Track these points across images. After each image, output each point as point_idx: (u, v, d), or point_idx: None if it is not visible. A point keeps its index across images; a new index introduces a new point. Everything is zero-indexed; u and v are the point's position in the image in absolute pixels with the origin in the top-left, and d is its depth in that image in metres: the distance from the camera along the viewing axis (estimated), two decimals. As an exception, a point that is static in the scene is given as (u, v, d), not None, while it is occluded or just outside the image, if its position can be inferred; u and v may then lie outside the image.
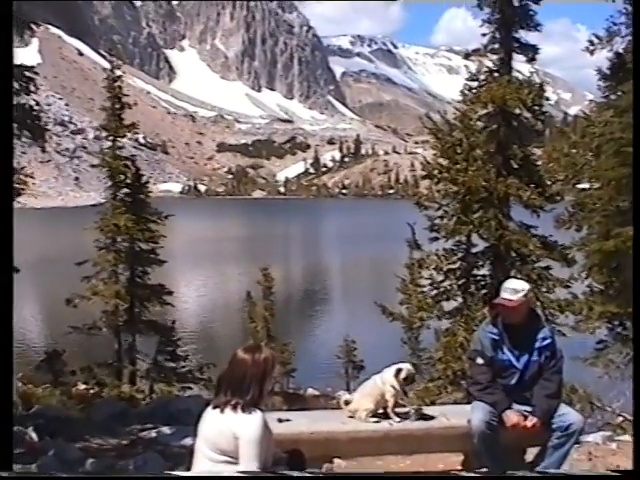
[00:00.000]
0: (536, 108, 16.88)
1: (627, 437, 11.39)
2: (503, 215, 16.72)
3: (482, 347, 7.75)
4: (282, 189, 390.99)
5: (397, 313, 19.79)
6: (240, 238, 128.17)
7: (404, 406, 8.26)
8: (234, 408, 5.36)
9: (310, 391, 33.99)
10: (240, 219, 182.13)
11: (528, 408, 7.58)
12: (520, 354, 7.66)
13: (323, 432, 7.71)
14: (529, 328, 7.68)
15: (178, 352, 27.62)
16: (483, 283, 17.47)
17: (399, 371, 7.90)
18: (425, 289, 18.03)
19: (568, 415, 7.57)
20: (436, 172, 17.31)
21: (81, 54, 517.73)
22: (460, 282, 17.40)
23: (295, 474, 5.82)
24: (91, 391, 23.85)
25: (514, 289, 7.60)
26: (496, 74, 17.12)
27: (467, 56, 18.15)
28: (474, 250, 17.40)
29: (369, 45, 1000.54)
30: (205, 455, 5.43)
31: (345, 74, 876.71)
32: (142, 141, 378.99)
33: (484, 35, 17.28)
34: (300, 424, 7.78)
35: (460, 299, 17.47)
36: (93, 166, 32.66)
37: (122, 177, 27.14)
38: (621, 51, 16.30)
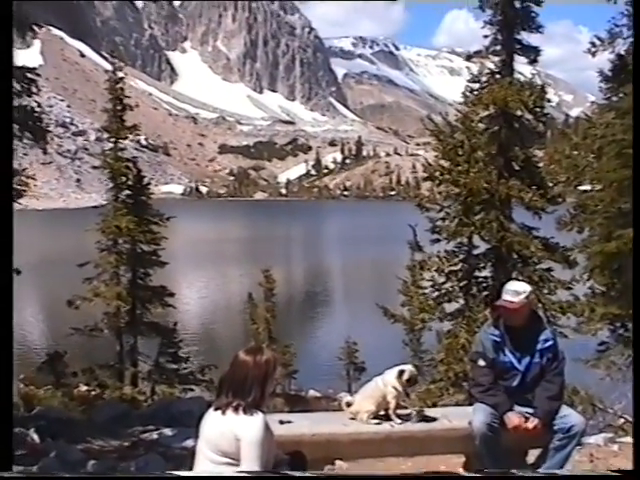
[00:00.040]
0: (538, 110, 16.90)
1: (629, 439, 11.38)
2: (505, 217, 16.73)
3: (484, 349, 7.75)
4: (284, 191, 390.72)
5: (399, 315, 19.79)
6: (242, 240, 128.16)
7: (406, 408, 8.26)
8: (235, 410, 5.36)
9: (311, 393, 33.97)
10: (242, 221, 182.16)
11: (530, 410, 7.57)
12: (522, 356, 7.65)
13: (324, 434, 7.71)
14: (531, 330, 7.67)
15: (180, 354, 27.64)
16: (485, 285, 17.48)
17: (402, 372, 7.89)
18: (427, 291, 18.03)
19: (570, 417, 7.57)
20: (438, 174, 17.32)
21: (83, 56, 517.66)
22: (462, 284, 17.41)
23: (296, 474, 5.83)
24: (93, 393, 23.87)
25: (515, 291, 7.59)
26: (498, 76, 17.14)
27: (469, 58, 18.18)
28: (476, 252, 17.41)
29: (371, 47, 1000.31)
30: (206, 457, 5.43)
31: (347, 76, 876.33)
32: (144, 143, 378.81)
33: (486, 37, 17.31)
34: (301, 426, 7.78)
35: (462, 301, 17.48)
36: (95, 168, 32.76)
37: (124, 179, 27.19)
38: (623, 53, 16.29)
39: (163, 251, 27.76)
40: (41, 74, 17.55)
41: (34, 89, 15.23)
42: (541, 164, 18.03)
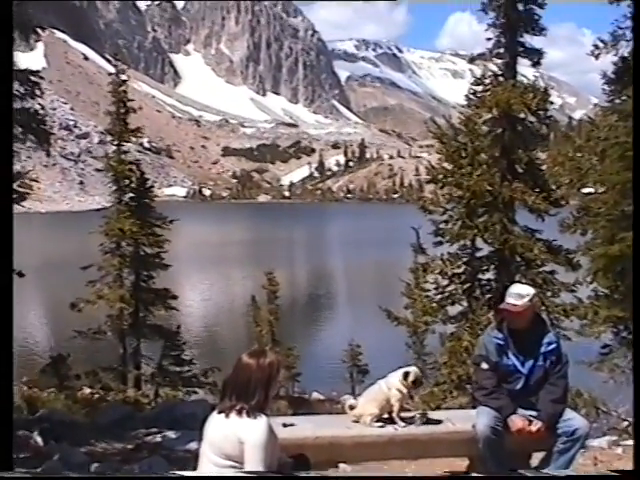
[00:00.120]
0: (541, 112, 16.90)
1: (632, 442, 11.38)
2: (508, 219, 16.72)
3: (487, 352, 7.74)
4: (287, 193, 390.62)
5: (402, 317, 19.81)
6: (245, 242, 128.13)
7: (409, 411, 8.26)
8: (239, 413, 5.35)
9: (315, 395, 33.96)
10: (245, 223, 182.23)
11: (533, 413, 7.57)
12: (525, 359, 7.65)
13: (328, 437, 7.71)
14: (534, 333, 7.67)
15: (183, 356, 27.61)
16: (488, 287, 17.46)
17: (407, 374, 7.90)
18: (430, 293, 18.03)
19: (574, 420, 7.56)
20: (441, 176, 17.32)
21: (86, 58, 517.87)
22: (465, 286, 17.40)
23: (299, 475, 5.83)
24: (96, 395, 23.88)
25: (519, 294, 7.59)
26: (501, 78, 17.14)
27: (472, 60, 18.18)
28: (479, 254, 17.40)
29: (374, 49, 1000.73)
30: (210, 460, 5.42)
31: (350, 78, 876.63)
32: (147, 145, 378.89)
33: (489, 39, 17.31)
34: (305, 429, 7.78)
35: (465, 303, 17.47)
36: (98, 170, 32.72)
37: (127, 181, 27.20)
38: (626, 55, 16.28)
39: (166, 254, 27.76)
40: (44, 77, 17.57)
41: (37, 92, 15.26)
42: (544, 166, 18.03)
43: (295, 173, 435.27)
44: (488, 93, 17.04)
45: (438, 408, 14.93)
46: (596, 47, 16.77)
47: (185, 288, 65.36)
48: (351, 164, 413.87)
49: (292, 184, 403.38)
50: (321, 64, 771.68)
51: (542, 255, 16.50)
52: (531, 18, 16.99)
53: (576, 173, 17.95)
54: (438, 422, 8.03)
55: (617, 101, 17.07)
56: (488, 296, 17.23)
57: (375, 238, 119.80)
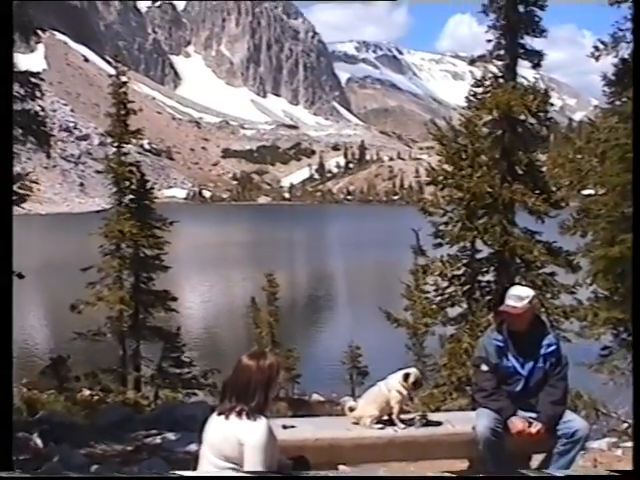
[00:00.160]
0: (541, 114, 16.90)
1: (632, 443, 11.38)
2: (508, 221, 16.72)
3: (487, 354, 7.74)
4: (287, 195, 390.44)
5: (402, 319, 19.84)
6: (245, 244, 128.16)
7: (409, 412, 8.26)
8: (239, 415, 5.35)
9: (315, 397, 33.97)
10: (245, 225, 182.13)
11: (533, 415, 7.57)
12: (525, 361, 7.65)
13: (327, 438, 7.71)
14: (534, 335, 7.67)
15: (183, 358, 27.62)
16: (488, 289, 17.46)
17: (407, 376, 7.91)
18: (430, 295, 18.03)
19: (573, 422, 7.56)
20: (441, 178, 17.32)
21: (87, 60, 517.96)
22: (465, 288, 17.40)
23: (299, 475, 5.84)
24: (96, 397, 23.88)
25: (519, 296, 7.59)
26: (501, 80, 17.14)
27: (472, 62, 18.18)
28: (479, 256, 17.41)
29: (374, 51, 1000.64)
30: (210, 462, 5.42)
31: (350, 80, 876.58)
32: (147, 147, 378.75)
33: (489, 41, 17.31)
34: (305, 430, 7.78)
35: (465, 305, 17.48)
36: (98, 172, 32.72)
37: (127, 183, 27.21)
38: (626, 57, 16.29)
39: (166, 255, 27.79)
40: (45, 78, 17.56)
41: (38, 93, 15.26)
42: (544, 168, 18.03)
43: (295, 175, 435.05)
44: (488, 95, 17.04)
45: (438, 410, 14.92)
46: (596, 49, 16.77)
47: (185, 290, 65.44)
48: (351, 166, 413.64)
49: (292, 186, 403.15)
50: (321, 66, 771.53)
51: (542, 257, 16.50)
52: (531, 20, 17.00)
53: (576, 175, 17.94)
54: (438, 424, 8.04)
55: (617, 103, 17.07)
56: (488, 298, 17.23)
57: (375, 240, 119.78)
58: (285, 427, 7.69)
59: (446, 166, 17.38)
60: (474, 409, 8.04)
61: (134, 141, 28.66)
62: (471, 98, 17.40)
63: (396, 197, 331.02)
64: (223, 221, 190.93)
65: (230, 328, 56.09)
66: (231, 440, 5.33)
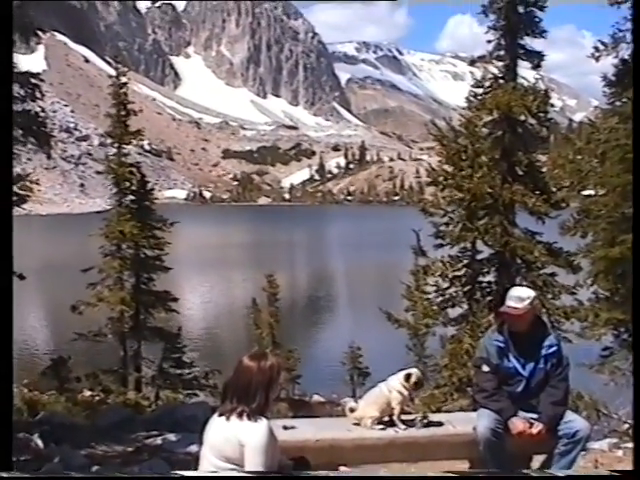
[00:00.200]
0: (541, 114, 16.91)
1: (632, 442, 11.38)
2: (508, 222, 16.73)
3: (488, 355, 7.74)
4: (287, 196, 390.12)
5: (402, 320, 19.82)
6: (245, 245, 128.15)
7: (410, 413, 8.26)
8: (240, 416, 5.36)
9: (316, 398, 33.95)
10: (245, 226, 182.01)
11: (534, 415, 7.57)
12: (526, 362, 7.65)
13: (328, 439, 7.71)
14: (535, 335, 7.66)
15: (183, 359, 27.64)
16: (488, 290, 17.46)
17: (409, 376, 7.90)
18: (430, 296, 18.02)
19: (574, 422, 7.56)
20: (441, 179, 17.33)
21: (87, 61, 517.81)
22: (465, 289, 17.40)
23: (299, 476, 5.84)
24: (96, 398, 23.90)
25: (519, 297, 7.58)
26: (501, 81, 17.14)
27: (472, 63, 18.18)
28: (479, 257, 17.41)
29: (374, 52, 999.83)
30: (211, 462, 5.43)
31: (350, 80, 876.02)
32: (147, 148, 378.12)
33: (489, 42, 17.30)
34: (305, 431, 7.78)
35: (465, 306, 17.48)
36: (98, 173, 32.73)
37: (127, 184, 27.21)
38: (627, 57, 16.27)
39: (167, 256, 27.81)
40: (45, 79, 17.57)
41: (38, 94, 15.28)
42: (545, 169, 18.03)
43: (295, 175, 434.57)
44: (488, 95, 17.05)
45: (439, 411, 14.92)
46: (596, 49, 16.76)
47: (185, 290, 65.42)
48: (351, 166, 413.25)
49: (292, 186, 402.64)
50: (321, 66, 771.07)
51: (542, 257, 16.51)
52: (531, 20, 17.00)
53: (576, 175, 17.93)
54: (439, 425, 8.04)
55: (617, 103, 17.06)
56: (489, 298, 17.23)
57: (375, 240, 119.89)
58: (286, 428, 7.69)
59: (446, 167, 17.38)
60: (475, 410, 8.04)
61: (134, 142, 28.68)
62: (471, 99, 17.41)
63: (396, 198, 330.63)
64: (223, 222, 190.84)
65: (231, 329, 56.10)
66: (232, 441, 5.34)
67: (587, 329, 16.92)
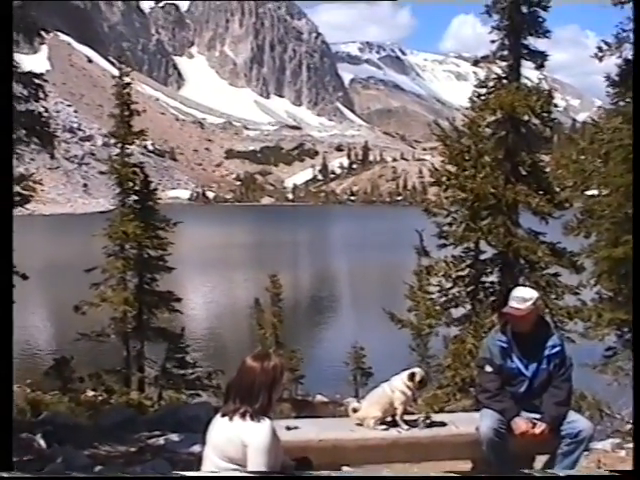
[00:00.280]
0: (545, 115, 16.90)
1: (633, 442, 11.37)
2: (512, 222, 16.72)
3: (491, 355, 7.73)
4: (290, 196, 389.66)
5: (405, 320, 19.78)
6: (248, 245, 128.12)
7: (413, 414, 8.25)
8: (243, 416, 5.35)
9: (319, 398, 33.95)
10: (248, 226, 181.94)
11: (537, 416, 7.56)
12: (529, 362, 7.64)
13: (331, 440, 7.70)
14: (538, 336, 7.65)
15: (187, 359, 27.64)
16: (492, 290, 17.46)
17: (413, 375, 7.90)
18: (434, 296, 18.03)
19: (577, 422, 7.55)
20: (444, 179, 17.32)
21: (90, 61, 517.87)
22: (469, 289, 17.40)
23: (302, 476, 5.84)
24: (99, 398, 23.92)
25: (522, 297, 7.57)
26: (505, 81, 17.14)
27: (476, 63, 18.17)
28: (483, 257, 17.41)
29: (377, 52, 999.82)
30: (213, 463, 5.42)
31: (353, 81, 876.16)
32: (150, 148, 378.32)
33: (493, 42, 17.31)
34: (308, 432, 7.77)
35: (469, 306, 17.48)
36: (102, 173, 32.80)
37: (130, 184, 27.21)
38: (630, 57, 16.26)
39: (170, 256, 27.80)
40: (48, 79, 17.61)
41: (41, 94, 15.28)
42: (548, 169, 18.03)
43: (298, 175, 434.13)
44: (492, 96, 17.05)
45: (441, 411, 14.91)
46: (600, 49, 16.75)
47: (189, 291, 65.42)
48: (354, 166, 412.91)
49: (295, 186, 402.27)
50: (325, 66, 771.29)
51: (546, 258, 16.50)
52: (535, 20, 16.99)
53: (580, 175, 17.94)
54: (442, 425, 8.03)
55: (621, 103, 17.06)
56: (492, 299, 17.24)
57: (378, 240, 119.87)
58: (289, 428, 7.69)
59: (449, 167, 17.39)
60: (478, 410, 8.03)
61: (138, 142, 28.70)
62: (474, 99, 17.40)
63: (399, 198, 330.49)
64: (226, 222, 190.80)
65: (234, 329, 56.12)
66: (235, 441, 5.33)
67: (590, 329, 16.93)
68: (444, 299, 17.59)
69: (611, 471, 8.05)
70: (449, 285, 17.49)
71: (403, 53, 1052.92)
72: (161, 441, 12.79)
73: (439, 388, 17.65)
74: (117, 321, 26.92)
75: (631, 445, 11.38)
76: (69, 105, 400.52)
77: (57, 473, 9.72)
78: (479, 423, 7.64)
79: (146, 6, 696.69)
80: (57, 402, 20.25)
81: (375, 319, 32.12)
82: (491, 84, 17.25)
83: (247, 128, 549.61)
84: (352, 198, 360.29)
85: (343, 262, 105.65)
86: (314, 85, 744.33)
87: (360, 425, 7.91)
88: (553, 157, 19.80)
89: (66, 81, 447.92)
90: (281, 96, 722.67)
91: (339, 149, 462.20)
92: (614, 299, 17.18)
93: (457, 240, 16.99)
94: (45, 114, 15.54)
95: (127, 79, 28.48)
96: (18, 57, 14.58)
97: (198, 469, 5.63)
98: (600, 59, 16.80)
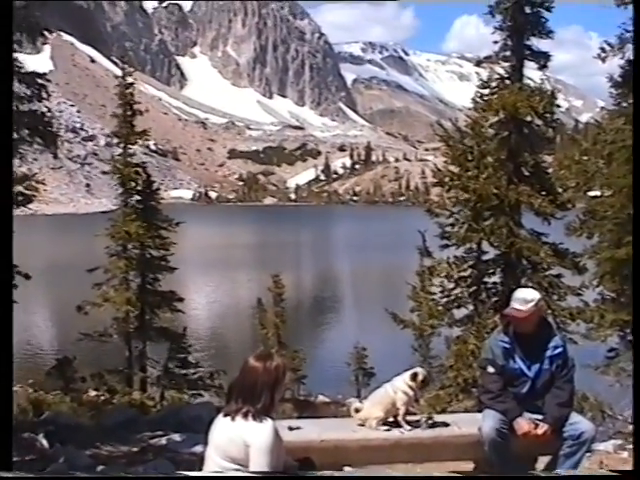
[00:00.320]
0: (547, 115, 16.87)
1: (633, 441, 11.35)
2: (514, 223, 16.70)
3: (493, 356, 7.73)
4: (293, 196, 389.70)
5: (408, 320, 19.76)
6: (251, 245, 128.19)
7: (415, 414, 8.25)
8: (245, 416, 5.35)
9: (321, 398, 33.97)
10: (251, 226, 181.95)
11: (539, 416, 7.55)
12: (531, 363, 7.64)
13: (333, 440, 7.70)
14: (540, 337, 7.65)
15: (189, 359, 27.65)
16: (494, 291, 17.44)
17: (415, 375, 7.91)
18: (436, 297, 18.01)
19: (580, 424, 7.55)
20: (447, 179, 17.31)
21: (93, 61, 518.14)
22: (471, 290, 17.38)
23: (304, 476, 5.84)
24: (102, 398, 23.91)
25: (524, 299, 7.57)
26: (507, 81, 17.12)
27: (479, 63, 18.14)
28: (485, 258, 17.39)
29: (380, 52, 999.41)
30: (216, 463, 5.42)
31: (356, 81, 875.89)
32: (153, 148, 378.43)
33: (496, 42, 17.28)
34: (310, 432, 7.77)
35: (471, 307, 17.45)
36: (104, 173, 32.81)
37: (133, 184, 27.22)
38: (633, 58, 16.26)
39: (172, 256, 27.81)
40: (51, 79, 17.59)
41: (44, 94, 15.30)
42: (551, 170, 18.01)
43: (301, 176, 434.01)
44: (495, 96, 17.03)
45: (444, 411, 14.91)
46: (603, 50, 16.77)
47: (191, 291, 65.45)
48: (357, 167, 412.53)
49: (298, 187, 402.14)
50: (327, 67, 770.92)
51: (548, 258, 16.48)
52: (538, 21, 16.97)
53: (582, 176, 17.93)
54: (444, 425, 8.03)
55: (624, 104, 17.07)
56: (494, 299, 17.21)
57: (381, 241, 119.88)
58: (291, 428, 7.69)
59: (452, 167, 17.37)
60: (480, 411, 8.03)
61: (140, 142, 28.73)
62: (477, 99, 17.38)
63: (402, 198, 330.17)
64: (229, 222, 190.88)
65: (236, 329, 56.18)
66: (237, 441, 5.33)
67: (593, 330, 16.93)
68: (446, 300, 17.57)
69: (612, 471, 8.05)
70: (451, 286, 17.47)
71: (406, 53, 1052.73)
72: (163, 441, 12.79)
73: (441, 389, 17.63)
74: (119, 321, 26.94)
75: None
76: (72, 105, 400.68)
77: (59, 473, 9.72)
78: (481, 424, 7.64)
79: (149, 6, 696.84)
80: (59, 402, 20.25)
81: (377, 319, 32.14)
82: (494, 85, 17.23)
83: (250, 128, 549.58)
84: (354, 198, 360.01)
85: (345, 262, 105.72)
86: (317, 85, 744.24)
87: (362, 425, 7.91)
88: (556, 158, 19.80)
89: (69, 81, 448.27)
90: (284, 96, 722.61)
91: (342, 149, 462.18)
92: (617, 300, 17.18)
93: (460, 241, 16.97)
94: (48, 114, 15.56)
95: (130, 79, 28.52)
96: (21, 57, 14.61)
97: (200, 469, 5.64)
98: (603, 60, 16.82)
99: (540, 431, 7.42)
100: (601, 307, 17.06)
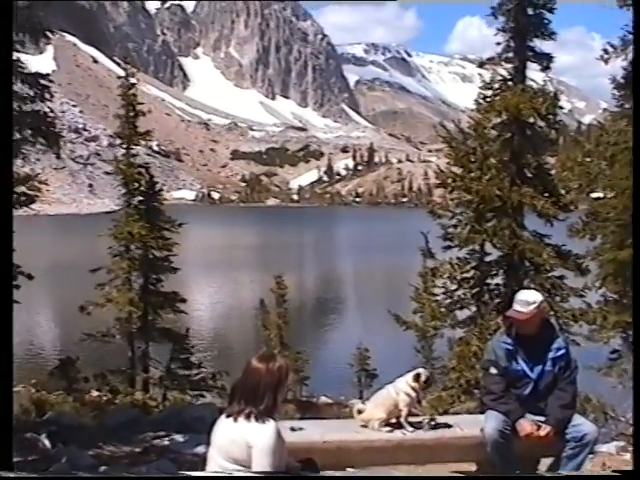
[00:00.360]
0: (550, 117, 16.85)
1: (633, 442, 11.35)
2: (517, 224, 16.69)
3: (496, 357, 7.73)
4: (295, 197, 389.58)
5: (411, 322, 19.79)
6: (253, 246, 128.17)
7: (417, 415, 8.25)
8: (248, 417, 5.35)
9: (323, 399, 33.94)
10: (253, 227, 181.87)
11: (542, 418, 7.55)
12: (534, 364, 7.64)
13: (336, 441, 7.70)
14: (543, 338, 7.65)
15: (191, 360, 27.63)
16: (497, 292, 17.42)
17: (418, 375, 7.91)
18: (439, 298, 17.98)
19: (582, 425, 7.55)
20: (450, 181, 17.29)
21: (96, 61, 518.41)
22: (474, 291, 17.37)
23: (306, 476, 5.84)
24: (104, 398, 23.92)
25: (526, 301, 7.56)
26: (510, 83, 17.10)
27: (481, 65, 18.12)
28: (488, 259, 17.37)
29: (383, 53, 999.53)
30: (218, 464, 5.42)
31: (359, 82, 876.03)
32: (156, 148, 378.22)
33: (498, 44, 17.26)
34: (313, 433, 7.77)
35: (474, 308, 17.44)
36: (107, 173, 32.80)
37: (136, 184, 27.19)
38: (636, 60, 16.26)
39: (175, 257, 27.78)
40: (54, 80, 17.61)
41: (47, 95, 15.32)
42: (553, 171, 17.99)
43: (304, 177, 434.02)
44: (497, 97, 17.02)
45: (446, 413, 14.92)
46: (605, 52, 16.77)
47: (194, 291, 65.51)
48: (360, 168, 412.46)
49: (301, 188, 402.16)
50: (330, 68, 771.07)
51: (551, 260, 16.46)
52: (540, 22, 16.96)
53: (585, 178, 17.92)
54: (446, 427, 8.03)
55: (626, 106, 17.06)
56: (497, 301, 17.20)
57: (384, 242, 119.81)
58: (293, 429, 7.69)
59: (455, 169, 17.36)
60: (482, 412, 8.02)
61: (143, 142, 28.67)
62: (480, 101, 17.37)
63: (405, 199, 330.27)
64: (231, 223, 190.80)
65: (239, 330, 56.19)
66: (239, 442, 5.33)
67: (595, 332, 16.91)
68: (449, 301, 17.56)
69: (612, 471, 8.05)
70: (454, 287, 17.46)
71: (409, 55, 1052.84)
72: (166, 442, 12.80)
73: (444, 390, 17.62)
74: (122, 321, 26.92)
75: (636, 448, 11.38)
76: (75, 105, 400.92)
77: (62, 473, 9.73)
78: (484, 425, 7.64)
79: (152, 7, 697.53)
80: (62, 402, 20.27)
81: (380, 321, 32.16)
82: (496, 86, 17.22)
83: (252, 129, 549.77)
84: (357, 200, 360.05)
85: (348, 264, 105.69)
86: (319, 86, 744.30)
87: (365, 427, 7.91)
88: (558, 159, 19.78)
89: (72, 81, 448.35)
90: (286, 97, 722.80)
91: (344, 150, 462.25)
92: (619, 302, 17.17)
93: (462, 242, 16.96)
94: (51, 114, 15.58)
95: (133, 80, 28.49)
96: (24, 57, 14.63)
97: (203, 470, 5.63)
98: (606, 61, 16.81)
99: (543, 433, 7.42)
100: (604, 309, 17.05)
